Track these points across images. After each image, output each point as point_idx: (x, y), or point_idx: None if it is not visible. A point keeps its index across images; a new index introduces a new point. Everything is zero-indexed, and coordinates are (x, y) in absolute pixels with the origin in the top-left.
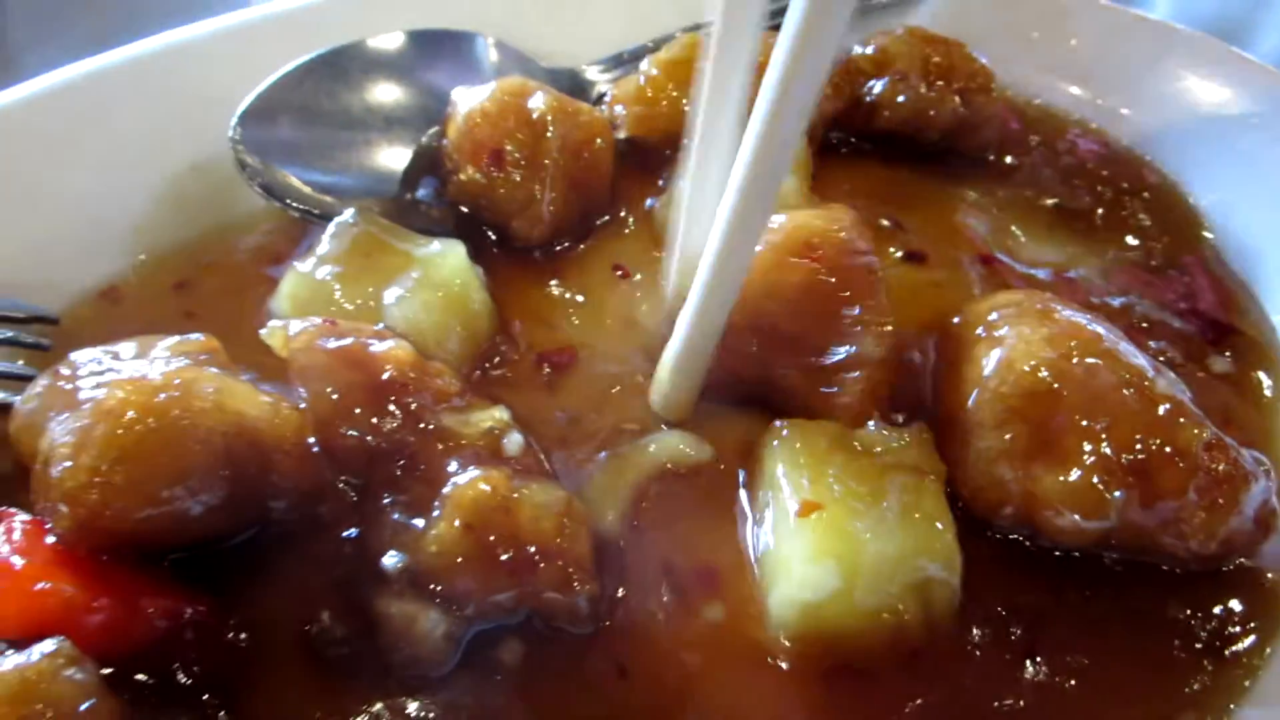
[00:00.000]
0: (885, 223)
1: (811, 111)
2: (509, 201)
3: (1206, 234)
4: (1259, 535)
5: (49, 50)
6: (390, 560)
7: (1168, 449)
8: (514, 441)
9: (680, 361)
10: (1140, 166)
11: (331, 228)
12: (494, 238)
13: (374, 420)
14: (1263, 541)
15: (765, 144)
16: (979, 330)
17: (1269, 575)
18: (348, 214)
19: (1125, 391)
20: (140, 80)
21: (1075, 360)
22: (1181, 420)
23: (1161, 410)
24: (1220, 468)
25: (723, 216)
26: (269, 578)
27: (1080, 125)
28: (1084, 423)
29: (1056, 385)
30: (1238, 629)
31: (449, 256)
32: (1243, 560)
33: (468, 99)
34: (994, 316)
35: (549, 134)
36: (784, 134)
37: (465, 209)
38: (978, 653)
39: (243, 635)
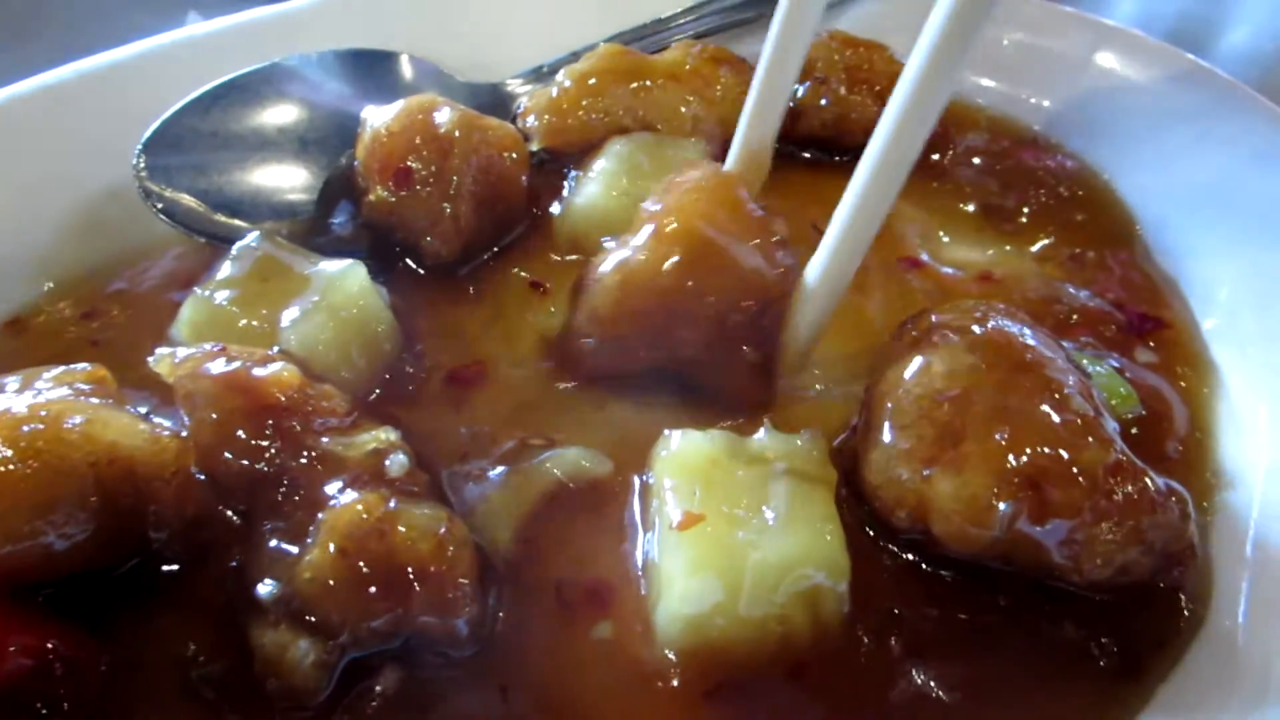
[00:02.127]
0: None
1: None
2: (417, 220)
3: (1136, 229)
4: (1166, 567)
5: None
6: (265, 589)
7: (1069, 466)
8: (397, 462)
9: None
10: (1069, 163)
11: (233, 251)
12: (408, 258)
13: (255, 444)
14: (1175, 574)
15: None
16: (915, 333)
17: (1181, 601)
18: (250, 237)
19: (1036, 405)
20: (50, 106)
21: (991, 369)
22: (1089, 439)
23: (1068, 427)
24: (1123, 491)
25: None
26: (150, 610)
27: (1006, 123)
28: (986, 431)
29: (967, 391)
30: (1135, 649)
31: (349, 278)
32: None
33: (376, 118)
34: (934, 320)
35: (455, 150)
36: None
37: (378, 229)
38: (863, 662)
39: (117, 671)
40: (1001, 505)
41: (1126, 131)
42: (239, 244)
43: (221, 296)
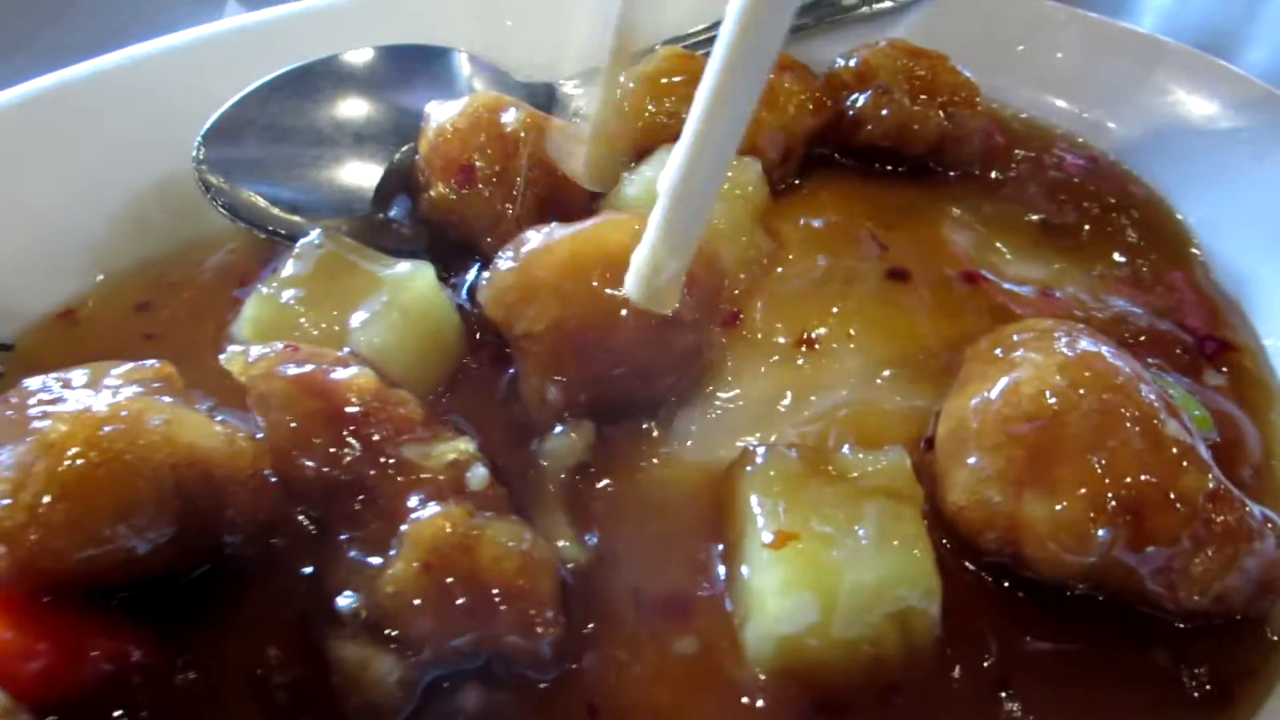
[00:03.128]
0: (867, 238)
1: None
2: (477, 219)
3: (1194, 250)
4: (1263, 598)
5: (20, 60)
6: (345, 601)
7: (1166, 493)
8: (478, 475)
9: (665, 237)
10: (1127, 182)
11: (296, 249)
12: (466, 257)
13: (332, 451)
14: (1267, 604)
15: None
16: (997, 351)
17: (1267, 631)
18: (313, 235)
19: (1131, 429)
20: (102, 96)
21: (1084, 391)
22: (1186, 465)
23: (1166, 453)
24: (1221, 520)
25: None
26: (222, 616)
27: (1066, 139)
28: (1082, 455)
29: (1060, 413)
30: (1227, 683)
31: (417, 278)
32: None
33: (440, 113)
34: (1016, 339)
35: (520, 151)
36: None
37: (436, 226)
38: (955, 686)
39: (192, 677)
40: (1100, 531)
41: (1186, 151)
42: (303, 241)
43: (287, 295)
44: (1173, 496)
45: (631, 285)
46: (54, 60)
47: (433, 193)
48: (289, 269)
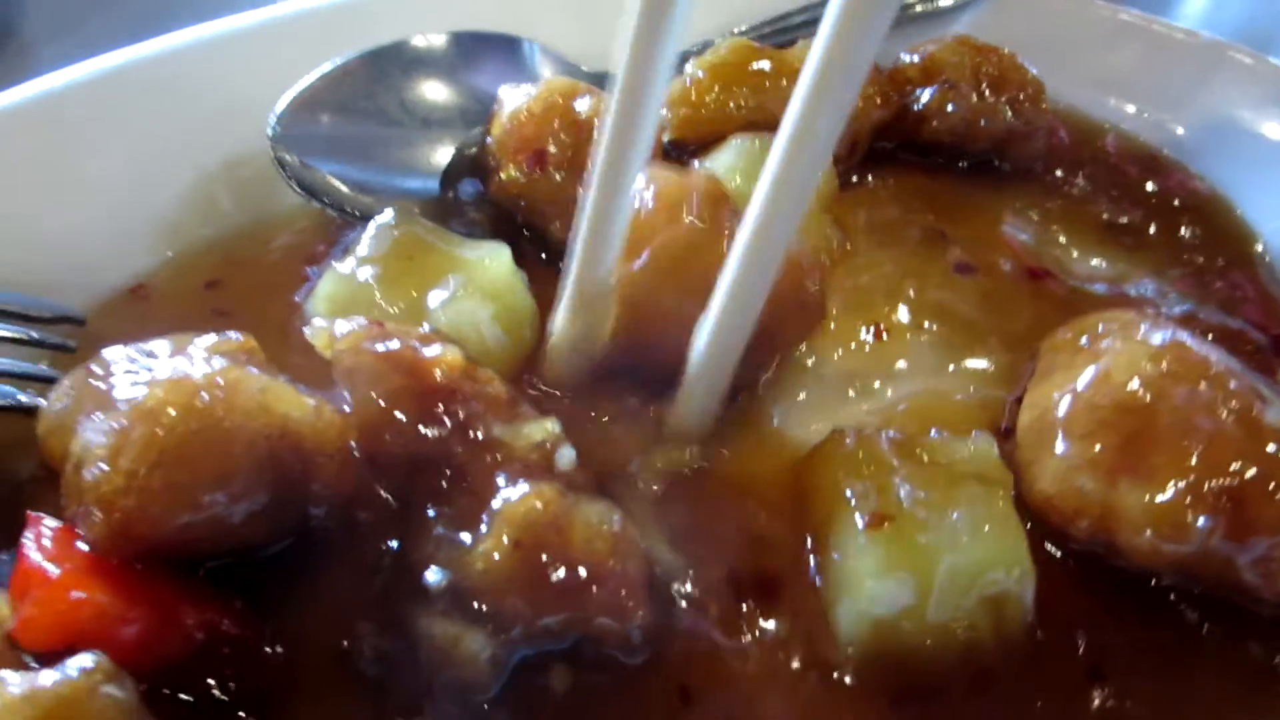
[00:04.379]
0: (932, 233)
1: (845, 122)
2: (549, 204)
3: (1259, 249)
4: None
5: (66, 44)
6: (434, 577)
7: (1268, 482)
8: (566, 456)
9: (703, 373)
10: (1189, 181)
11: (371, 229)
12: (532, 243)
13: (421, 427)
14: None
15: (797, 148)
16: (1083, 341)
17: None
18: (388, 214)
19: (1227, 417)
20: (171, 75)
21: (1178, 379)
22: None
23: (1264, 442)
24: None
25: (750, 221)
26: (306, 588)
27: (1127, 139)
28: (1178, 443)
29: (1154, 401)
30: None
31: (495, 260)
32: None
33: (515, 97)
34: (1100, 329)
35: (593, 137)
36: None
37: (506, 209)
38: (1049, 673)
39: (279, 649)
40: (1200, 521)
41: (1247, 151)
42: (378, 220)
43: (364, 272)
44: (1273, 486)
45: None
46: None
47: (504, 175)
48: (365, 247)
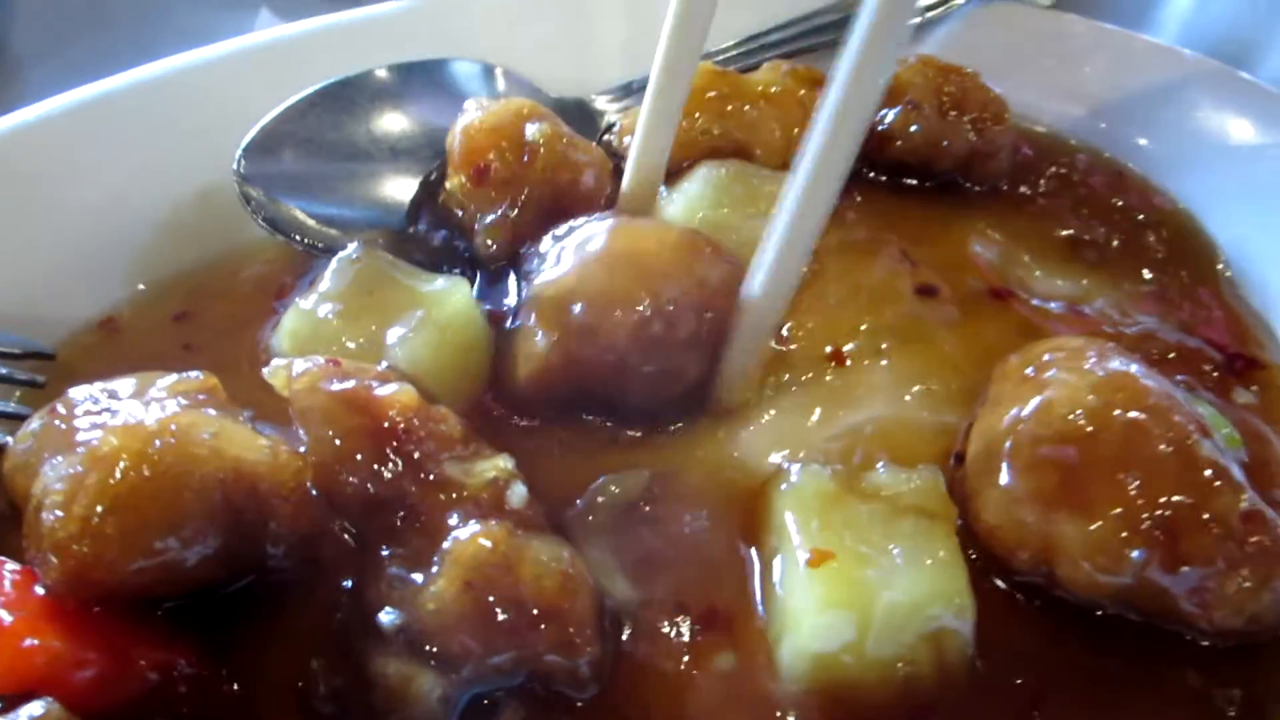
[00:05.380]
0: (896, 254)
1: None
2: (478, 217)
3: (1222, 267)
4: None
5: (54, 64)
6: (387, 618)
7: (1201, 513)
8: (517, 493)
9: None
10: (1154, 197)
11: (334, 263)
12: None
13: (375, 467)
14: None
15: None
16: (1028, 370)
17: None
18: (351, 249)
19: (1164, 449)
20: (141, 106)
21: (1117, 411)
22: (1219, 485)
23: (1200, 473)
24: (1256, 540)
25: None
26: (264, 627)
27: (1093, 154)
28: (1115, 475)
29: (1093, 433)
30: (1261, 703)
31: (453, 294)
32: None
33: (475, 110)
34: (1046, 358)
35: (537, 163)
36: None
37: (448, 222)
38: (988, 706)
39: (235, 687)
40: (1134, 552)
41: (1214, 167)
42: (340, 255)
43: (325, 309)
44: (1207, 517)
45: None
46: (89, 66)
47: (450, 183)
48: (326, 283)
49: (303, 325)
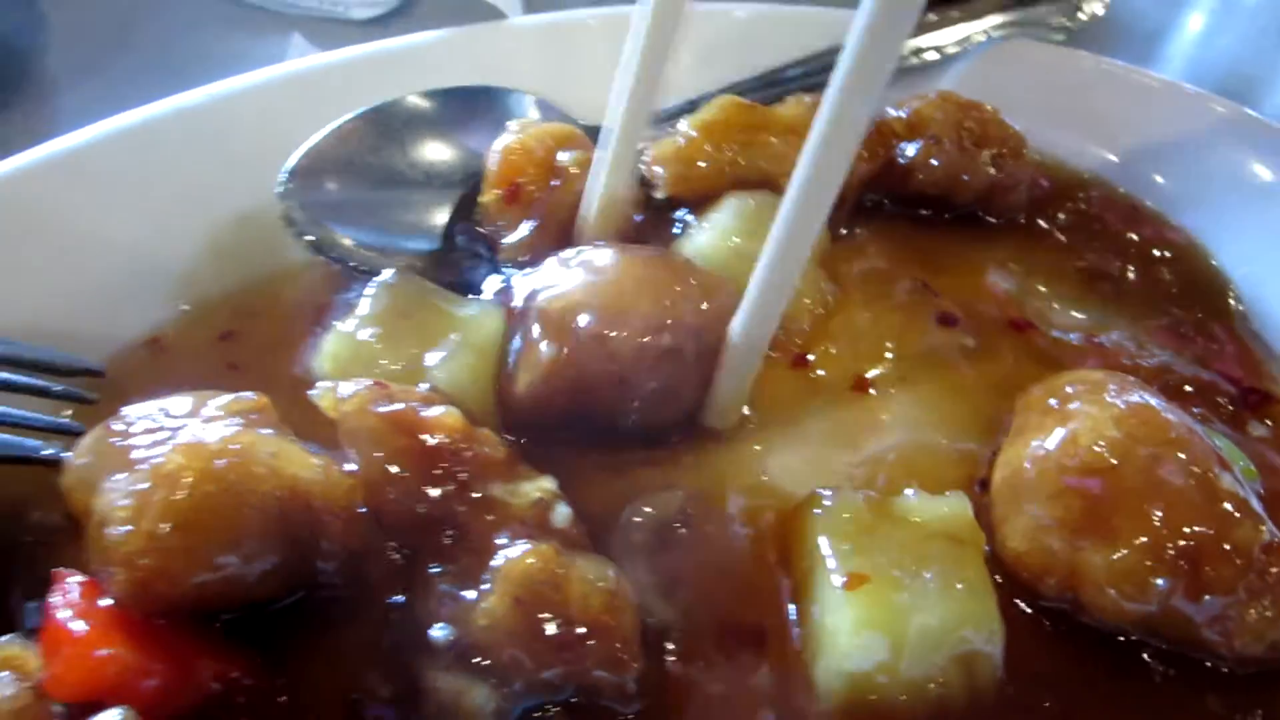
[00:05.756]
0: (917, 284)
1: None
2: (504, 231)
3: (1233, 301)
4: None
5: (86, 88)
6: (439, 632)
7: (1222, 544)
8: (561, 514)
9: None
10: (1168, 231)
11: (371, 288)
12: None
13: (424, 488)
14: None
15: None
16: (1051, 402)
17: None
18: (387, 273)
19: (1187, 481)
20: (186, 131)
21: (1139, 444)
22: (1240, 517)
23: (1222, 505)
24: (1276, 570)
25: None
26: (317, 641)
27: (1108, 189)
28: (1140, 505)
29: (1117, 464)
30: None
31: (488, 318)
32: None
33: (517, 129)
34: (1069, 390)
35: (564, 186)
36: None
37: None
38: None
39: (290, 698)
40: (1159, 581)
41: (1227, 203)
42: (377, 280)
43: (365, 332)
44: (1229, 548)
45: None
46: (123, 89)
47: (483, 198)
48: (365, 307)
49: (343, 348)
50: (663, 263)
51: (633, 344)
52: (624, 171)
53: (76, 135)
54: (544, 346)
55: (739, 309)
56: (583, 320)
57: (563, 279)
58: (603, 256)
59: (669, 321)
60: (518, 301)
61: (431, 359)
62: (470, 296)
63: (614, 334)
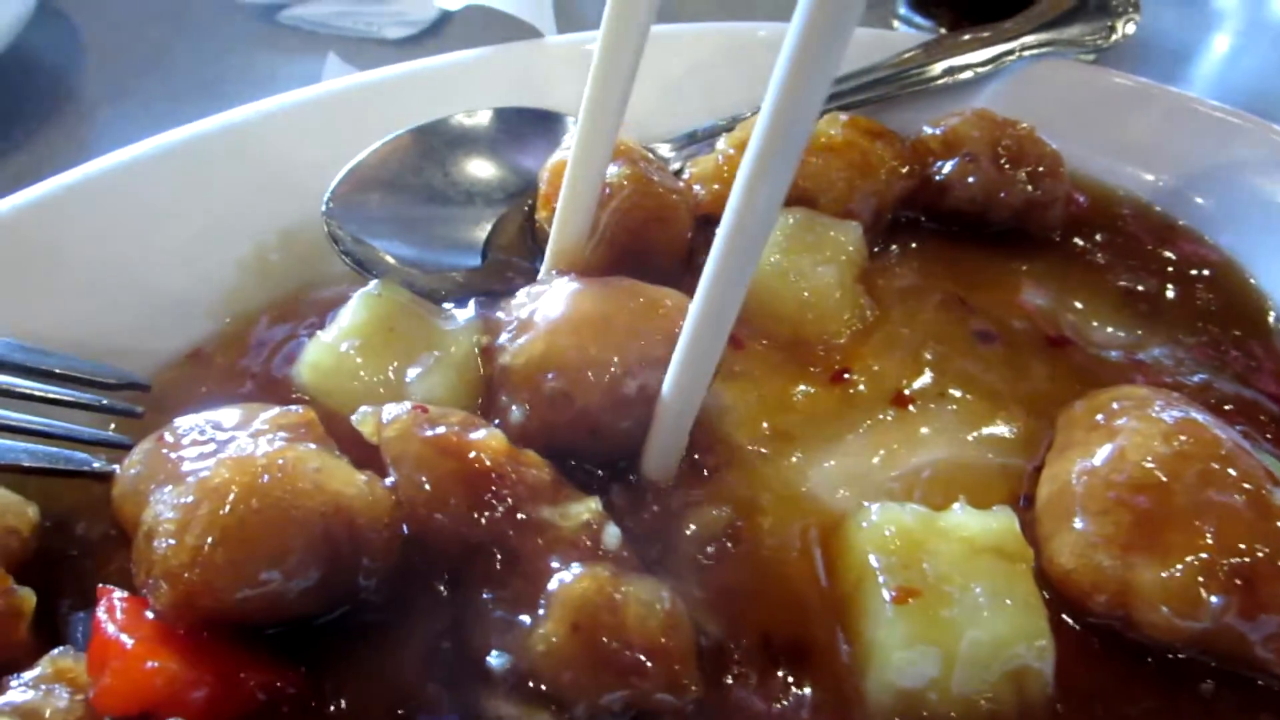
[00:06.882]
0: (954, 301)
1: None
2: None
3: (1272, 318)
4: None
5: (123, 107)
6: (496, 660)
7: (1277, 561)
8: (612, 535)
9: (667, 424)
10: (1204, 250)
11: (354, 299)
12: None
13: (470, 511)
14: None
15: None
16: (1098, 417)
17: None
18: (372, 285)
19: (1239, 497)
20: (229, 148)
21: (1190, 459)
22: None
23: (1274, 522)
24: None
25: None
26: (358, 656)
27: (1144, 208)
28: (1191, 521)
29: (1168, 481)
30: None
31: (469, 334)
32: None
33: (569, 146)
34: (1115, 406)
35: (614, 199)
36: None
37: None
38: None
39: (334, 708)
40: (1213, 598)
41: (1263, 221)
42: (361, 291)
43: (346, 344)
44: None
45: None
46: (161, 108)
47: (539, 214)
48: (347, 318)
49: (324, 358)
50: (618, 294)
51: (598, 397)
52: (581, 207)
53: (121, 153)
54: (514, 410)
55: (670, 365)
56: (549, 380)
57: (527, 324)
58: (560, 295)
59: (632, 364)
60: (491, 336)
61: (411, 373)
62: (453, 309)
63: (579, 389)
